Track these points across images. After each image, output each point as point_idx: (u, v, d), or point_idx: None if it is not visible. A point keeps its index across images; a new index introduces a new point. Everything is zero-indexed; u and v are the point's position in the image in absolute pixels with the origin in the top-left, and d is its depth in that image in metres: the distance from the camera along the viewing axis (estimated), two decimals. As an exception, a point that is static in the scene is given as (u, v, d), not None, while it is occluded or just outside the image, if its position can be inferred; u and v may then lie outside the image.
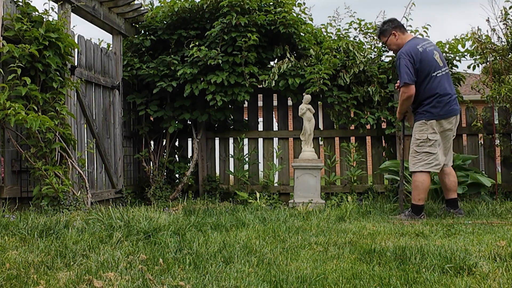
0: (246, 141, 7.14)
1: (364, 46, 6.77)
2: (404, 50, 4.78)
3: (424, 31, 6.60)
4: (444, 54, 6.59)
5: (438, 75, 4.75)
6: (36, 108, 4.45)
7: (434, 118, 4.72)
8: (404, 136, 5.15)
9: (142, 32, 7.03)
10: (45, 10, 4.80)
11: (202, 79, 6.57)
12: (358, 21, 6.88)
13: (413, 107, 4.93)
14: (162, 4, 6.92)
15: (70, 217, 3.95)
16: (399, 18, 5.65)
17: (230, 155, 7.20)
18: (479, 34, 6.25)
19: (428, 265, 2.60)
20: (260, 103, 7.40)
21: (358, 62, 6.47)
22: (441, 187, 5.64)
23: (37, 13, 4.74)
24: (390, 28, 4.99)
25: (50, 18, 4.79)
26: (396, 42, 4.96)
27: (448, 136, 4.83)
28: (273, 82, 6.48)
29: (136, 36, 6.93)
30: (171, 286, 2.23)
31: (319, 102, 6.98)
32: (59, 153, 4.82)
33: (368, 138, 7.07)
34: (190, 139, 7.26)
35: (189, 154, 7.38)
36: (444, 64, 4.87)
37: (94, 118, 5.81)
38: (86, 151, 5.54)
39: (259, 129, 7.33)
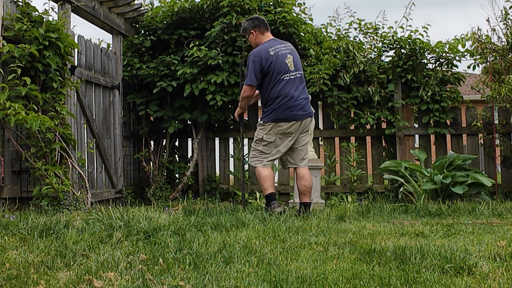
0: (246, 141, 7.13)
1: (364, 46, 6.78)
2: (256, 52, 4.81)
3: (424, 31, 6.61)
4: (444, 54, 6.60)
5: (285, 78, 4.75)
6: (36, 108, 4.45)
7: (271, 121, 4.77)
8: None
9: (142, 32, 7.03)
10: (45, 10, 4.80)
11: (202, 79, 6.57)
12: (358, 21, 6.88)
13: (262, 104, 4.98)
14: (162, 4, 6.93)
15: (70, 217, 3.95)
16: (399, 18, 5.66)
17: (230, 155, 7.20)
18: (479, 34, 6.26)
19: (428, 265, 2.60)
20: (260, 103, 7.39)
21: (358, 62, 6.47)
22: (440, 187, 5.66)
23: (37, 13, 4.74)
24: (249, 27, 5.00)
25: (50, 18, 4.79)
26: (254, 41, 4.98)
27: (293, 138, 4.82)
28: (273, 82, 6.46)
29: (136, 36, 6.93)
30: (171, 286, 2.23)
31: (319, 102, 6.98)
32: (59, 153, 4.82)
33: (368, 138, 7.07)
34: (190, 139, 7.26)
35: (189, 154, 7.38)
36: (298, 68, 4.85)
37: (94, 118, 5.81)
38: (86, 151, 5.54)
39: (259, 129, 7.31)
